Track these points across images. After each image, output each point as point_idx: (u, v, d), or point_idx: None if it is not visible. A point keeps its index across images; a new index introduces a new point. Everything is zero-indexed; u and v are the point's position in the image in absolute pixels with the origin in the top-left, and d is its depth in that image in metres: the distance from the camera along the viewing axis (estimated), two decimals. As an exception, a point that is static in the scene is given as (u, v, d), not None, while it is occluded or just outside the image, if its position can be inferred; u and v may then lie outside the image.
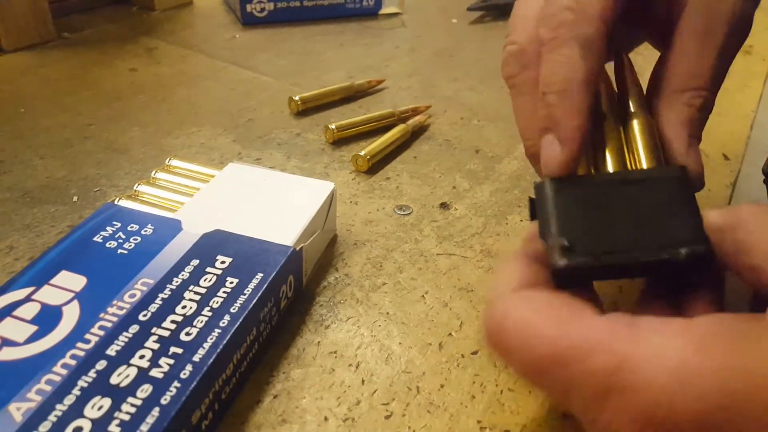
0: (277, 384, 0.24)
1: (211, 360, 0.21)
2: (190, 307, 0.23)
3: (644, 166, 0.23)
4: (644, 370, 0.16)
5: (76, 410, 0.19)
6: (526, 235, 0.22)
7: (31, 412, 0.19)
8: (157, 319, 0.22)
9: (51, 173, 0.36)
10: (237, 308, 0.23)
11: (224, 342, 0.22)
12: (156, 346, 0.21)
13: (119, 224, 0.27)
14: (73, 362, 0.20)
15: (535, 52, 0.24)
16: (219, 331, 0.22)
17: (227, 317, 0.23)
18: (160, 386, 0.20)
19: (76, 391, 0.19)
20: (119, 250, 0.25)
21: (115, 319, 0.22)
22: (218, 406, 0.22)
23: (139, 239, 0.26)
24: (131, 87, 0.47)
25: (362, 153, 0.37)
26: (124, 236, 0.26)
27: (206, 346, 0.21)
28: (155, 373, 0.20)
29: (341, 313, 0.28)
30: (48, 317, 0.22)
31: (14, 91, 0.46)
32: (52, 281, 0.24)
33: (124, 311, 0.22)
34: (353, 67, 0.52)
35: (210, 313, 0.23)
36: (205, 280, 0.24)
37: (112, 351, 0.21)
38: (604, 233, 0.21)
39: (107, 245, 0.26)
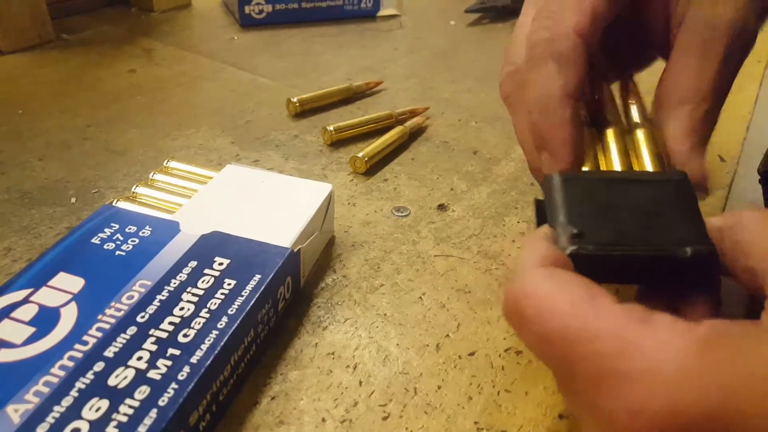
0: (275, 385, 0.24)
1: (209, 361, 0.21)
2: (188, 309, 0.23)
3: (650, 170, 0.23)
4: (649, 361, 0.16)
5: (73, 412, 0.19)
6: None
7: (29, 413, 0.19)
8: (155, 320, 0.22)
9: (49, 175, 0.36)
10: (235, 310, 0.23)
11: (222, 343, 0.22)
12: (154, 347, 0.21)
13: (117, 226, 0.27)
14: (70, 364, 0.20)
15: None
16: (217, 332, 0.22)
17: (225, 319, 0.23)
18: (158, 388, 0.20)
19: (73, 393, 0.19)
20: (117, 252, 0.25)
21: (112, 320, 0.22)
22: (216, 408, 0.22)
23: (137, 241, 0.26)
24: (130, 88, 0.47)
25: (360, 155, 0.38)
26: (122, 238, 0.26)
27: (204, 347, 0.21)
28: (153, 374, 0.20)
29: (339, 314, 0.28)
30: (46, 319, 0.22)
31: (12, 92, 0.46)
32: (50, 283, 0.24)
33: (122, 313, 0.23)
34: (351, 68, 0.53)
35: (208, 315, 0.23)
36: (202, 282, 0.24)
37: (109, 352, 0.21)
38: (611, 226, 0.21)
39: (105, 247, 0.26)
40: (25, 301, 0.23)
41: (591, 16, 0.24)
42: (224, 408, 0.23)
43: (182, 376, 0.20)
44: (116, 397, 0.19)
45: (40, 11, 0.52)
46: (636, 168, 0.24)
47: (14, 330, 0.22)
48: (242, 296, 0.24)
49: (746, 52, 0.25)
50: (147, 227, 0.27)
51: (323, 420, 0.23)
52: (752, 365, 0.15)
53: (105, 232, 0.26)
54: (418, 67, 0.53)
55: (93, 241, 0.26)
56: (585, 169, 0.24)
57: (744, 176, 0.39)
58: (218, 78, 0.50)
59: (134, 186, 0.30)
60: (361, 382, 0.24)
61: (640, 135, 0.25)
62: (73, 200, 0.34)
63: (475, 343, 0.26)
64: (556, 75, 0.24)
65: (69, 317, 0.22)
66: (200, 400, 0.21)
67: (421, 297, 0.29)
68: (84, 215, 0.33)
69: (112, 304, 0.23)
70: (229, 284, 0.24)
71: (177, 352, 0.21)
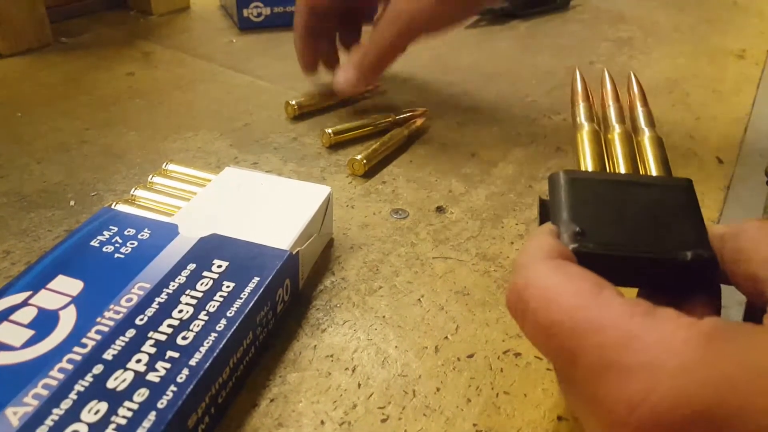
0: (274, 388, 0.24)
1: (208, 364, 0.21)
2: (187, 311, 0.23)
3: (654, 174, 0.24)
4: (651, 354, 0.16)
5: (72, 414, 0.19)
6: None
7: (28, 416, 0.19)
8: (154, 323, 0.22)
9: (48, 177, 0.36)
10: (233, 312, 0.23)
11: (221, 346, 0.22)
12: (152, 350, 0.21)
13: (116, 228, 0.27)
14: (69, 366, 0.20)
15: None
16: (215, 335, 0.22)
17: (224, 321, 0.23)
18: (157, 390, 0.20)
19: (72, 396, 0.19)
20: (116, 255, 0.25)
21: (111, 323, 0.22)
22: (215, 410, 0.22)
23: (136, 243, 0.26)
24: (128, 91, 0.47)
25: (359, 157, 0.38)
26: (120, 240, 0.26)
27: (203, 350, 0.21)
28: (152, 377, 0.20)
29: (337, 316, 0.28)
30: (45, 321, 0.22)
31: (11, 95, 0.46)
32: (49, 285, 0.24)
33: (121, 315, 0.23)
34: (350, 71, 0.53)
35: (206, 317, 0.23)
36: (201, 284, 0.24)
37: (108, 355, 0.21)
38: (613, 227, 0.21)
39: (104, 249, 0.26)
40: (24, 303, 0.23)
41: None
42: (223, 410, 0.23)
43: (181, 378, 0.20)
44: (115, 399, 0.19)
45: (39, 14, 0.53)
46: (641, 172, 0.24)
47: (13, 333, 0.22)
48: (241, 299, 0.24)
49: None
50: (146, 230, 0.27)
51: (322, 422, 0.23)
52: (755, 360, 0.15)
53: (104, 235, 0.26)
54: (415, 69, 0.53)
55: (92, 243, 0.26)
56: (590, 169, 0.24)
57: (742, 178, 0.39)
58: (217, 81, 0.50)
59: (133, 189, 0.31)
60: (359, 385, 0.24)
61: (646, 140, 0.25)
62: (71, 203, 0.34)
63: (474, 345, 0.26)
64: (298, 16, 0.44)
65: (68, 320, 0.22)
66: (199, 402, 0.21)
67: (419, 299, 0.29)
68: (83, 218, 0.33)
69: (111, 306, 0.23)
70: (227, 287, 0.24)
71: (176, 354, 0.21)
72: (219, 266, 0.25)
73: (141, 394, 0.20)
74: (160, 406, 0.19)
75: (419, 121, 0.43)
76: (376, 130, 0.42)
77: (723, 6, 0.73)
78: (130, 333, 0.22)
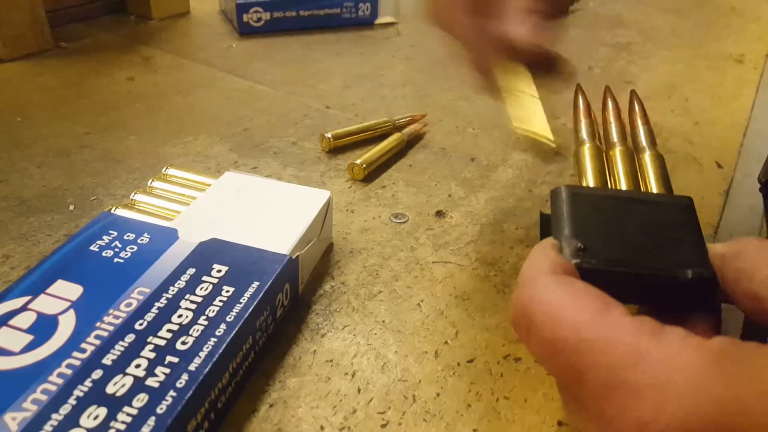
0: (273, 393, 0.24)
1: (207, 369, 0.21)
2: (186, 316, 0.23)
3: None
4: (660, 373, 0.16)
5: (71, 420, 0.19)
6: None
7: (27, 421, 0.19)
8: (153, 328, 0.22)
9: (48, 182, 0.36)
10: (233, 317, 0.23)
11: (220, 351, 0.22)
12: (152, 355, 0.21)
13: (116, 233, 0.27)
14: (69, 371, 0.20)
15: None
16: (215, 340, 0.22)
17: (223, 326, 0.23)
18: (156, 395, 0.20)
19: (71, 401, 0.19)
20: (115, 259, 0.25)
21: (111, 328, 0.22)
22: (214, 416, 0.22)
23: (136, 248, 0.26)
24: (128, 96, 0.47)
25: (358, 161, 0.38)
26: (120, 245, 0.26)
27: (202, 355, 0.21)
28: (151, 382, 0.20)
29: (337, 321, 0.28)
30: (44, 326, 0.22)
31: (11, 100, 0.46)
32: (49, 290, 0.24)
33: (120, 320, 0.23)
34: (349, 76, 0.53)
35: (206, 322, 0.23)
36: (201, 289, 0.24)
37: (108, 360, 0.21)
38: (614, 243, 0.21)
39: (104, 254, 0.26)
40: (24, 308, 0.23)
41: None
42: (222, 415, 0.23)
43: (180, 383, 0.20)
44: (114, 404, 0.19)
45: (39, 19, 0.53)
46: (642, 189, 0.24)
47: (12, 337, 0.22)
48: (240, 303, 0.24)
49: None
50: (145, 234, 0.27)
51: (322, 428, 0.23)
52: (764, 380, 0.15)
53: (103, 240, 0.26)
54: (415, 74, 0.54)
55: (91, 248, 0.26)
56: (592, 185, 0.24)
57: (741, 183, 0.39)
58: (216, 85, 0.50)
59: (133, 193, 0.31)
60: (359, 390, 0.24)
61: (647, 158, 0.25)
62: (71, 208, 0.34)
63: (474, 350, 0.26)
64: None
65: (67, 325, 0.22)
66: (198, 407, 0.21)
67: (419, 304, 0.29)
68: (82, 223, 0.33)
69: (111, 311, 0.23)
70: (227, 291, 0.24)
71: (175, 359, 0.21)
72: (219, 271, 0.25)
73: (140, 399, 0.20)
74: (159, 411, 0.19)
75: (418, 126, 0.43)
76: (376, 135, 0.42)
77: (721, 11, 0.73)
78: (130, 338, 0.22)
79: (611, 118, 0.27)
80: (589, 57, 0.58)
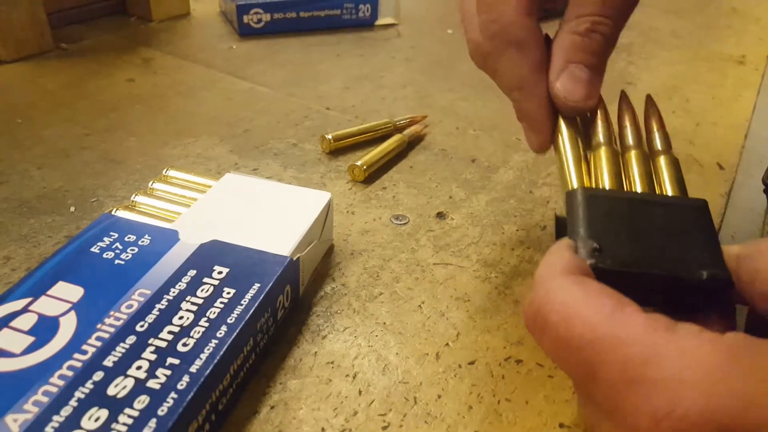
0: (274, 395, 0.24)
1: (208, 371, 0.21)
2: (187, 318, 0.23)
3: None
4: (675, 367, 0.16)
5: (73, 421, 0.19)
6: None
7: (28, 423, 0.19)
8: (154, 329, 0.22)
9: (48, 183, 0.36)
10: (234, 319, 0.23)
11: (221, 353, 0.22)
12: (153, 356, 0.21)
13: (116, 235, 0.27)
14: (70, 373, 0.20)
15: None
16: (216, 341, 0.22)
17: (224, 328, 0.23)
18: (157, 397, 0.20)
19: (73, 403, 0.19)
20: (116, 261, 0.25)
21: (112, 329, 0.22)
22: (215, 417, 0.22)
23: (136, 250, 0.26)
24: (128, 97, 0.47)
25: (359, 163, 0.38)
26: (121, 247, 0.26)
27: (203, 356, 0.21)
28: (152, 384, 0.20)
29: (338, 323, 0.28)
30: (45, 328, 0.22)
31: (12, 101, 0.46)
32: (49, 292, 0.24)
33: (121, 322, 0.22)
34: (349, 77, 0.53)
35: (207, 324, 0.23)
36: (202, 291, 0.24)
37: (109, 362, 0.21)
38: (630, 244, 0.21)
39: (104, 256, 0.26)
40: (25, 310, 0.23)
41: None
42: (223, 417, 0.23)
43: (181, 385, 0.20)
44: (115, 406, 0.19)
45: (40, 21, 0.53)
46: (657, 191, 0.24)
47: (13, 339, 0.22)
48: (241, 305, 0.24)
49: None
50: (146, 236, 0.27)
51: (323, 429, 0.23)
52: None
53: (104, 241, 0.26)
54: (415, 76, 0.54)
55: (92, 250, 0.26)
56: (608, 187, 0.24)
57: (743, 184, 0.39)
58: (217, 87, 0.50)
59: (133, 195, 0.30)
60: (360, 392, 0.24)
61: (662, 160, 0.25)
62: (72, 209, 0.34)
63: (475, 352, 0.26)
64: (522, 59, 0.26)
65: (68, 326, 0.22)
66: (199, 409, 0.21)
67: (420, 305, 0.29)
68: (83, 224, 0.33)
69: (112, 313, 0.23)
70: (228, 293, 0.24)
71: (176, 361, 0.21)
72: (219, 272, 0.25)
73: (141, 401, 0.20)
74: (160, 413, 0.19)
75: (419, 127, 0.43)
76: (376, 136, 0.42)
77: (722, 12, 0.74)
78: (131, 339, 0.22)
79: (627, 122, 0.27)
80: (590, 58, 0.58)
